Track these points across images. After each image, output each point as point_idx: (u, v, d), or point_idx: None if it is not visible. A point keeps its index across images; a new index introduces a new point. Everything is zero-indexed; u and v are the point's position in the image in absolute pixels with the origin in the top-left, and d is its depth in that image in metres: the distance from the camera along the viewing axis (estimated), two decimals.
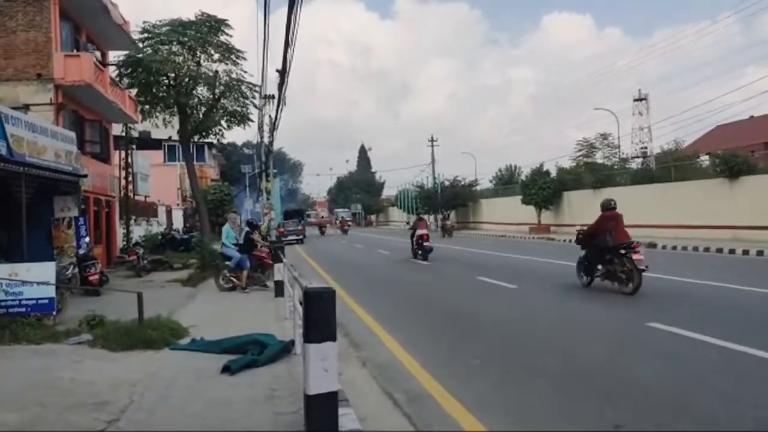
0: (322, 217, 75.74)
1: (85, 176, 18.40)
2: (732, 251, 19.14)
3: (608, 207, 11.29)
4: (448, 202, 52.04)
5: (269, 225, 27.28)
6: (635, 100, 64.18)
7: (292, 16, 9.68)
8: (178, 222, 39.89)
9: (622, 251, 10.32)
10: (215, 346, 6.86)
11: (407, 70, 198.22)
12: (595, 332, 8.00)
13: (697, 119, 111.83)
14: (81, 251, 14.62)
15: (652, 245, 22.91)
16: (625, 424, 4.48)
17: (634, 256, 10.10)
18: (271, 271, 12.77)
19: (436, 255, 20.52)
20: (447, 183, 53.83)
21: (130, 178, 26.51)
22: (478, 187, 53.49)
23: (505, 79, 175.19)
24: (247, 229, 14.40)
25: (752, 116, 42.91)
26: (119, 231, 23.48)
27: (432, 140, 58.76)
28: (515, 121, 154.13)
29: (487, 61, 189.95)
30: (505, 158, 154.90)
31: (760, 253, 18.06)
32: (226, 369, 5.98)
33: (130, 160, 27.04)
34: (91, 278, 13.71)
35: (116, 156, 25.97)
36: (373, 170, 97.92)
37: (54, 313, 8.75)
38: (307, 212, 66.96)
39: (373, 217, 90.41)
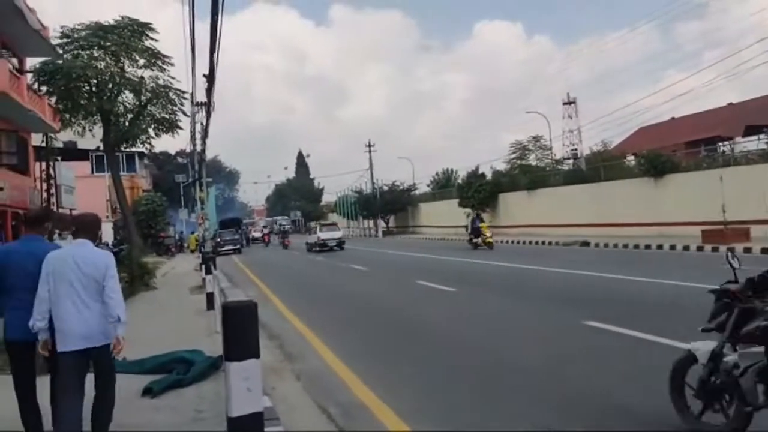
0: (264, 227, 62.41)
1: (1, 189, 17.27)
2: (659, 247, 19.87)
3: None
4: (387, 206, 52.27)
5: (204, 235, 26.48)
6: (564, 104, 66.25)
7: (217, 20, 9.34)
8: (108, 235, 38.20)
9: None
10: (136, 367, 6.40)
11: (343, 76, 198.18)
12: (536, 332, 8.00)
13: (622, 121, 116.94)
14: None
15: (585, 244, 23.58)
16: (553, 424, 4.44)
17: None
18: None
19: (374, 259, 20.42)
20: (386, 188, 54.08)
21: (52, 191, 25.14)
22: (417, 192, 53.98)
23: (439, 84, 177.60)
24: None
25: (673, 117, 45.07)
26: None
27: (369, 145, 58.85)
28: (450, 125, 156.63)
29: (422, 67, 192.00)
30: (441, 162, 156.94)
31: (686, 248, 18.82)
32: (148, 391, 5.59)
33: (52, 171, 25.67)
34: None
35: (37, 167, 24.60)
36: (311, 176, 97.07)
37: None
38: (245, 221, 64.71)
39: (312, 224, 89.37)
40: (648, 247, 20.36)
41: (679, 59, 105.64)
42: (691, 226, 21.03)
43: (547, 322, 8.60)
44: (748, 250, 16.73)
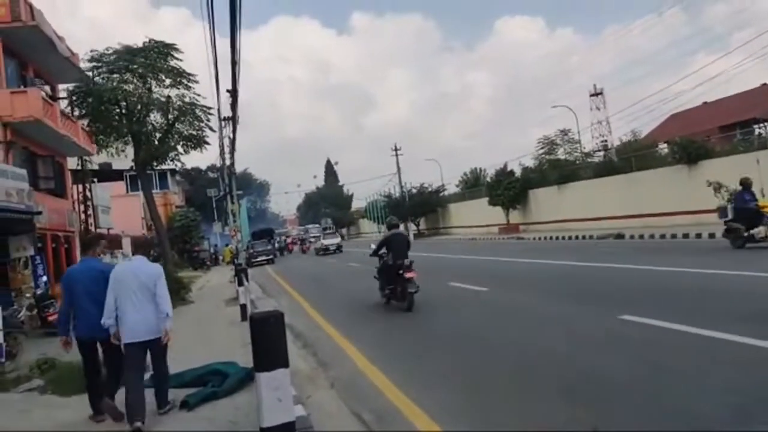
0: (287, 237, 65.12)
1: (40, 213, 17.74)
2: (698, 236, 19.35)
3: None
4: (417, 208, 52.23)
5: (237, 247, 26.87)
6: (591, 95, 65.32)
7: (236, 36, 9.50)
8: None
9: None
10: (175, 380, 6.50)
11: (367, 83, 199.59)
12: (571, 329, 7.82)
13: (652, 109, 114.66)
14: (39, 291, 14.07)
15: (620, 236, 23.12)
16: (602, 424, 4.33)
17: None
18: None
19: None
20: (414, 191, 54.05)
21: (89, 212, 25.84)
22: (446, 193, 53.75)
23: (464, 84, 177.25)
24: None
25: (705, 102, 43.93)
26: None
27: (396, 149, 58.86)
28: (476, 124, 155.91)
29: (445, 68, 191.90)
30: (469, 162, 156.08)
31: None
32: (185, 404, 5.70)
33: (88, 193, 26.39)
34: (51, 319, 13.11)
35: (74, 190, 25.32)
36: (340, 183, 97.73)
37: (2, 360, 8.28)
38: (278, 231, 65.40)
39: (344, 231, 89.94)
40: (686, 236, 19.87)
41: (707, 42, 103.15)
42: None
43: (586, 319, 8.42)
44: None
